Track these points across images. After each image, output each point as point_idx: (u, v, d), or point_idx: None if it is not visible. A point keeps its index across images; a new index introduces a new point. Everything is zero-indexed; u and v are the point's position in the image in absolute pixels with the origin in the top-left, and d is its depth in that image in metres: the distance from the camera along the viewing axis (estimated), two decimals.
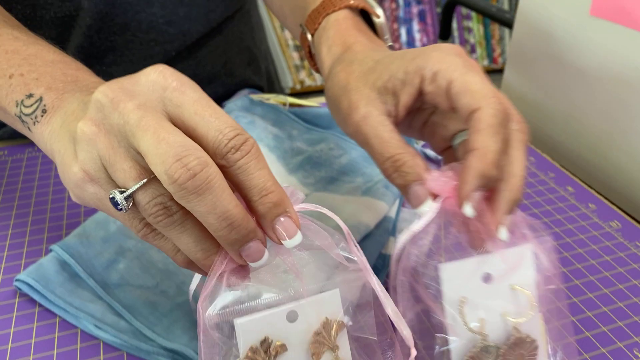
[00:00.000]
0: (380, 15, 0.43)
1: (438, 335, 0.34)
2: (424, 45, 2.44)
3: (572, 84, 0.61)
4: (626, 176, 0.57)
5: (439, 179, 0.34)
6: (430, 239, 0.34)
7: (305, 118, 0.60)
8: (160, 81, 0.28)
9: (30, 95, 0.35)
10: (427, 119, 0.38)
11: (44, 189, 0.54)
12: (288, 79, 2.55)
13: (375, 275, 0.33)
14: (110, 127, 0.28)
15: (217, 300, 0.30)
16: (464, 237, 0.35)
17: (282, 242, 0.30)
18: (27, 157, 0.59)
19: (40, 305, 0.41)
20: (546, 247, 0.35)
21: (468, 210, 0.32)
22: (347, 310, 0.33)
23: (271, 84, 0.81)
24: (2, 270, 0.45)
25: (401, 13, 2.42)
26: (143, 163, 0.28)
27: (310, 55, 0.45)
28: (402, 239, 0.34)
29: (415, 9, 2.42)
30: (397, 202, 0.50)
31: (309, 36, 0.44)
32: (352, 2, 0.42)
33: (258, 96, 0.63)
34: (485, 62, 2.49)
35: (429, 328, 0.35)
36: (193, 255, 0.30)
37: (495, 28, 2.48)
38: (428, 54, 0.34)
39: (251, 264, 0.30)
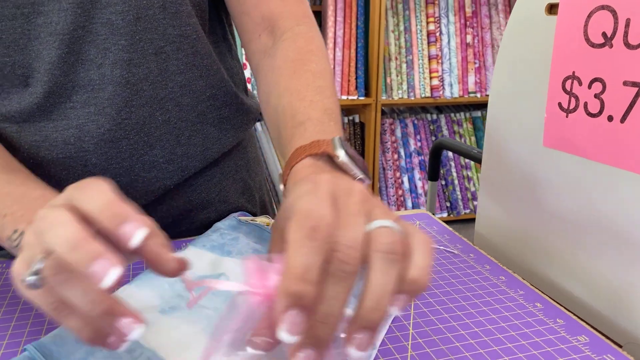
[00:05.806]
0: (339, 156, 0.44)
1: None
2: (425, 192, 2.54)
3: (535, 216, 0.65)
4: (594, 298, 0.58)
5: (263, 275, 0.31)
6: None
7: None
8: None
9: (15, 231, 0.44)
10: None
11: None
12: None
13: None
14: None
15: None
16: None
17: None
18: None
19: None
20: None
21: (284, 335, 0.29)
22: None
23: (265, 213, 0.83)
24: None
25: (403, 163, 2.56)
26: None
27: None
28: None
29: (416, 160, 2.57)
30: None
31: (281, 187, 0.48)
32: (313, 151, 0.45)
33: (246, 218, 0.68)
34: None
35: None
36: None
37: None
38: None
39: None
